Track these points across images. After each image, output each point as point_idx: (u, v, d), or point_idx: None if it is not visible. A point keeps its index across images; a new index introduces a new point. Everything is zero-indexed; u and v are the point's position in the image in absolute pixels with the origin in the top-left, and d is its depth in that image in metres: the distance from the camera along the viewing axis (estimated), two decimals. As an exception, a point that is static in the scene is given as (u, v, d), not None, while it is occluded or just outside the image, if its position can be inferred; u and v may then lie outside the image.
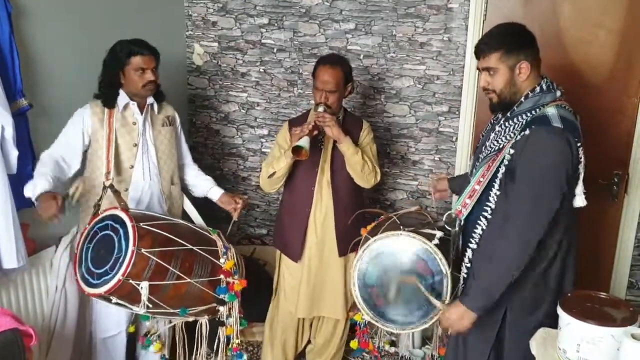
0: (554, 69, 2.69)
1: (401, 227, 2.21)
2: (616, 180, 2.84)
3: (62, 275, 2.43)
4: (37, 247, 2.46)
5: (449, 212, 2.09)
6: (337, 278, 2.73)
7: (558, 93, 1.92)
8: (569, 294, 1.72)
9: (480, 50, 1.94)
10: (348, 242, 2.60)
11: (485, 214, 1.95)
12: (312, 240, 2.67)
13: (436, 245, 2.09)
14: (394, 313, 2.18)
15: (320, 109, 2.50)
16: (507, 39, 1.90)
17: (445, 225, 2.10)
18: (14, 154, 2.17)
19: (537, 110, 1.87)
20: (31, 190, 2.17)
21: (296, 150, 2.40)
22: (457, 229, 2.07)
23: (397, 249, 2.15)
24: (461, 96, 3.04)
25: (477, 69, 2.03)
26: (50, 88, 2.51)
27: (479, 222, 1.97)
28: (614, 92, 2.78)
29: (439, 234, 2.14)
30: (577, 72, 2.80)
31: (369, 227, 2.40)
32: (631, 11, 2.68)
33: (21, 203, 2.24)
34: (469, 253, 2.03)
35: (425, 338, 3.15)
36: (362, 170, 2.56)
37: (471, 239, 2.01)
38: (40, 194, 2.13)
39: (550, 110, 1.85)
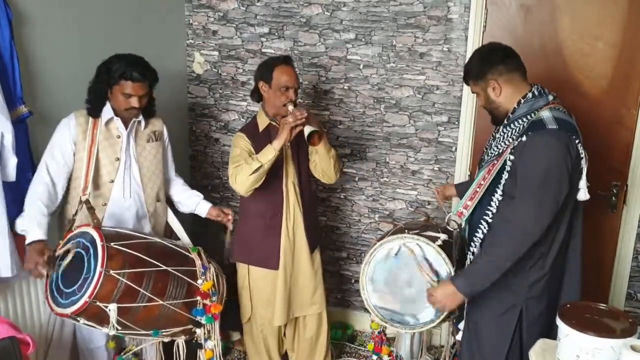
0: (553, 80, 2.72)
1: (406, 231, 2.29)
2: (615, 191, 2.84)
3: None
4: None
5: (450, 214, 2.13)
6: (310, 273, 2.76)
7: (550, 97, 1.99)
8: (568, 305, 1.72)
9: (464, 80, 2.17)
10: (315, 237, 2.76)
11: (487, 217, 2.01)
12: (286, 244, 2.67)
13: (440, 246, 2.14)
14: (403, 313, 2.27)
15: (290, 107, 2.48)
16: (472, 69, 2.08)
17: (447, 226, 2.14)
18: (13, 161, 2.16)
19: (533, 114, 1.94)
20: (21, 228, 2.18)
21: (311, 135, 2.37)
22: (458, 229, 2.11)
23: (402, 251, 2.19)
24: (461, 106, 3.04)
25: None
26: (50, 95, 2.51)
27: (480, 226, 2.02)
28: (613, 103, 2.78)
29: (442, 236, 2.22)
30: (576, 83, 2.81)
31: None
32: (630, 24, 2.69)
33: (18, 211, 2.23)
34: (470, 256, 2.07)
35: (425, 348, 3.13)
36: (334, 165, 2.63)
37: (472, 243, 2.06)
38: (31, 244, 2.13)
39: (545, 114, 1.92)
